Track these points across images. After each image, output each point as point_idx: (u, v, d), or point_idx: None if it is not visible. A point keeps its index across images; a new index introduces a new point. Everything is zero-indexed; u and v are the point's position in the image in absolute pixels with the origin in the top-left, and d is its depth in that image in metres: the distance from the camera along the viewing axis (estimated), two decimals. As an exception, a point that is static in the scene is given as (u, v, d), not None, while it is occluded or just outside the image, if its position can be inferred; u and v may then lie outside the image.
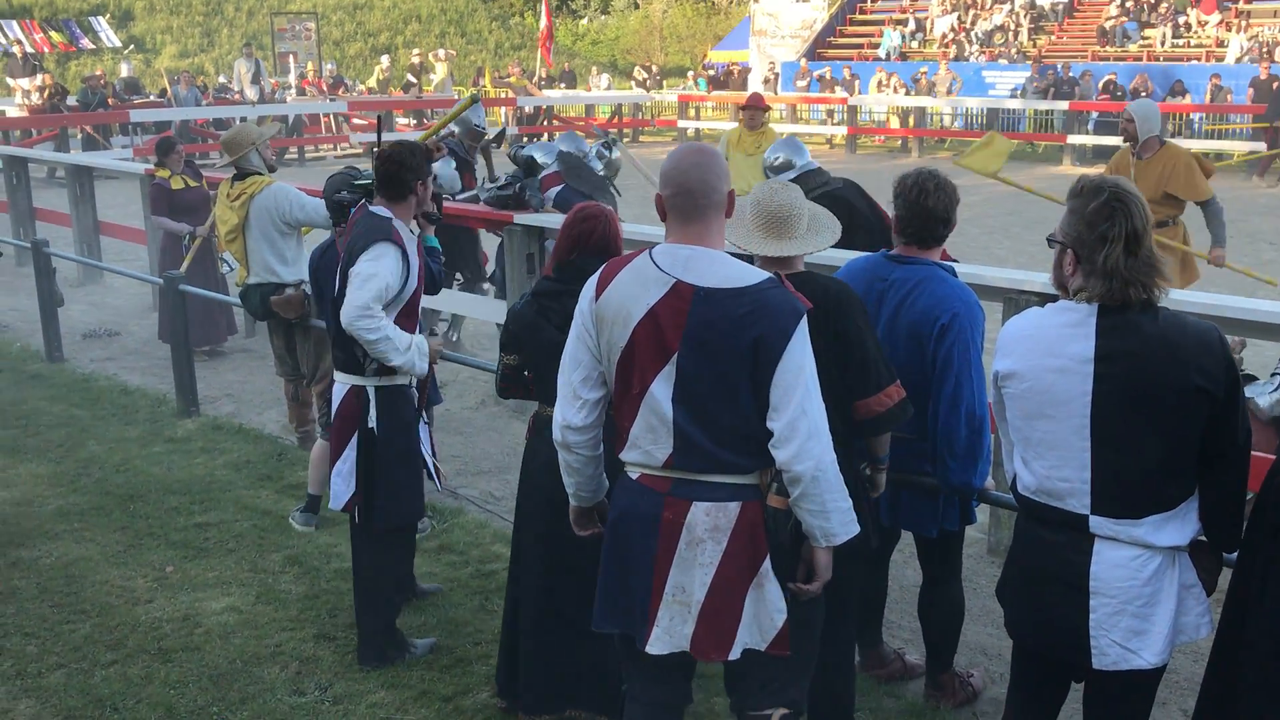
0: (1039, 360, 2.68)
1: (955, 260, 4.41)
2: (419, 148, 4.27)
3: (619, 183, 7.79)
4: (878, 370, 3.19)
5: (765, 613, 2.75)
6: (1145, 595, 2.65)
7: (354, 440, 4.16)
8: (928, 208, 3.53)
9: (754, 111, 9.16)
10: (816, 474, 2.64)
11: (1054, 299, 2.86)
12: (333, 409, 4.25)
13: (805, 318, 2.67)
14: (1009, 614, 2.91)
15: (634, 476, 2.81)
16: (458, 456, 6.55)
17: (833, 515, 2.71)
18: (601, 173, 7.47)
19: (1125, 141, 7.11)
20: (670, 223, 2.77)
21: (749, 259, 3.19)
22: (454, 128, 8.22)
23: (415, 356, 4.15)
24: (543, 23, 28.22)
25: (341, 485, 4.19)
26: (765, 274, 2.71)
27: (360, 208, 4.25)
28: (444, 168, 6.89)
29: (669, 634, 2.76)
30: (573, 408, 2.88)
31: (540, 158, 7.54)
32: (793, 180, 5.99)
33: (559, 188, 7.21)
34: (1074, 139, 21.90)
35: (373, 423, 4.13)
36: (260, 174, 6.10)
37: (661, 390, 2.69)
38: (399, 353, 4.08)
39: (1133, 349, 2.59)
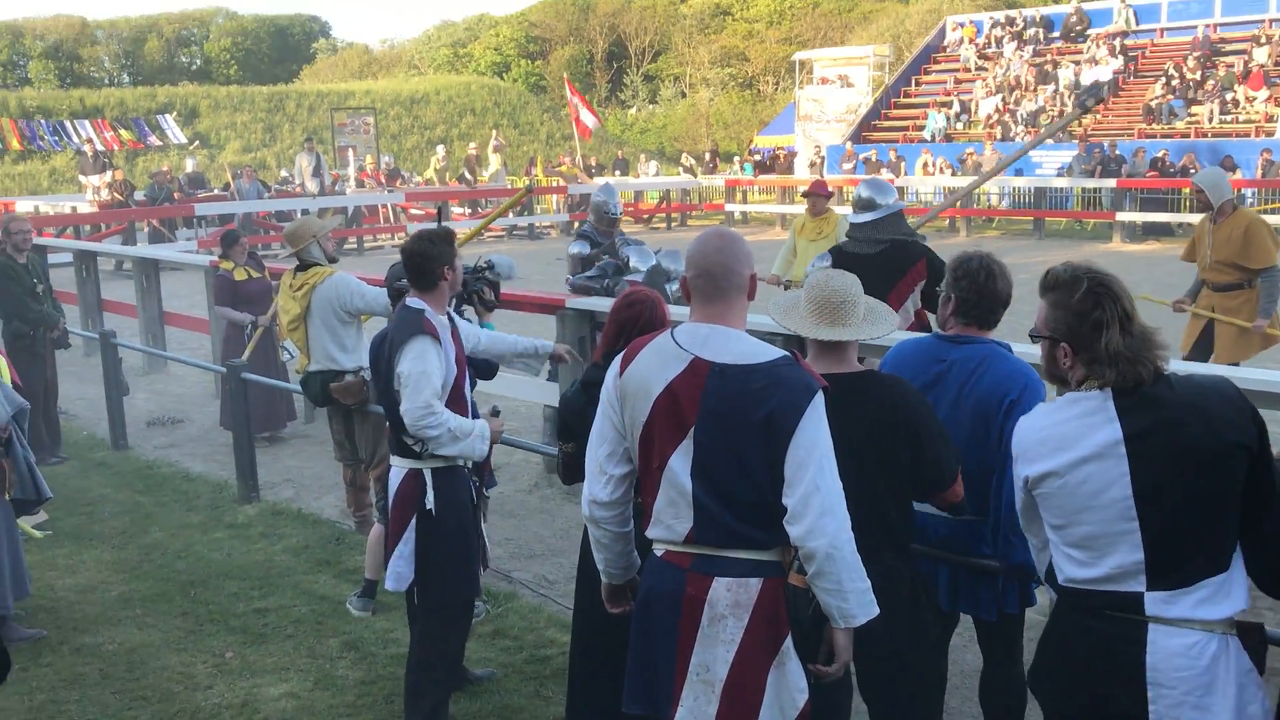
0: (1068, 455, 2.62)
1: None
2: (440, 234, 4.32)
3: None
4: (949, 463, 3.23)
5: (787, 692, 2.72)
6: (1204, 684, 2.56)
7: (413, 522, 4.19)
8: (994, 291, 3.56)
9: (816, 198, 9.27)
10: (831, 551, 2.62)
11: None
12: (390, 493, 4.29)
13: (820, 394, 2.68)
14: (1052, 705, 2.79)
15: (659, 553, 2.84)
16: (511, 540, 6.54)
17: (850, 595, 2.67)
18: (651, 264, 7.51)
19: (1203, 212, 7.36)
20: (693, 303, 2.84)
21: (801, 345, 3.21)
22: (590, 217, 8.30)
23: (476, 443, 4.21)
24: (571, 98, 28.78)
25: (403, 567, 4.21)
26: (781, 351, 2.74)
27: (404, 306, 4.31)
28: (501, 259, 6.98)
29: (693, 714, 2.74)
30: (599, 483, 2.91)
31: (634, 261, 7.57)
32: (878, 220, 6.09)
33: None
34: (1123, 216, 21.78)
35: (430, 504, 4.16)
36: (322, 265, 6.24)
37: (680, 464, 2.72)
38: (459, 442, 4.15)
39: (1161, 422, 2.55)
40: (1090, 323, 2.62)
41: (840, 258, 6.21)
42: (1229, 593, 2.59)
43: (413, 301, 4.23)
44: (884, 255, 6.08)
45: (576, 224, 8.65)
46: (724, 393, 2.68)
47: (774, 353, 2.74)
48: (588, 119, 29.00)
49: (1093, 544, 2.62)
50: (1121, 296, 2.64)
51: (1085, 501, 2.60)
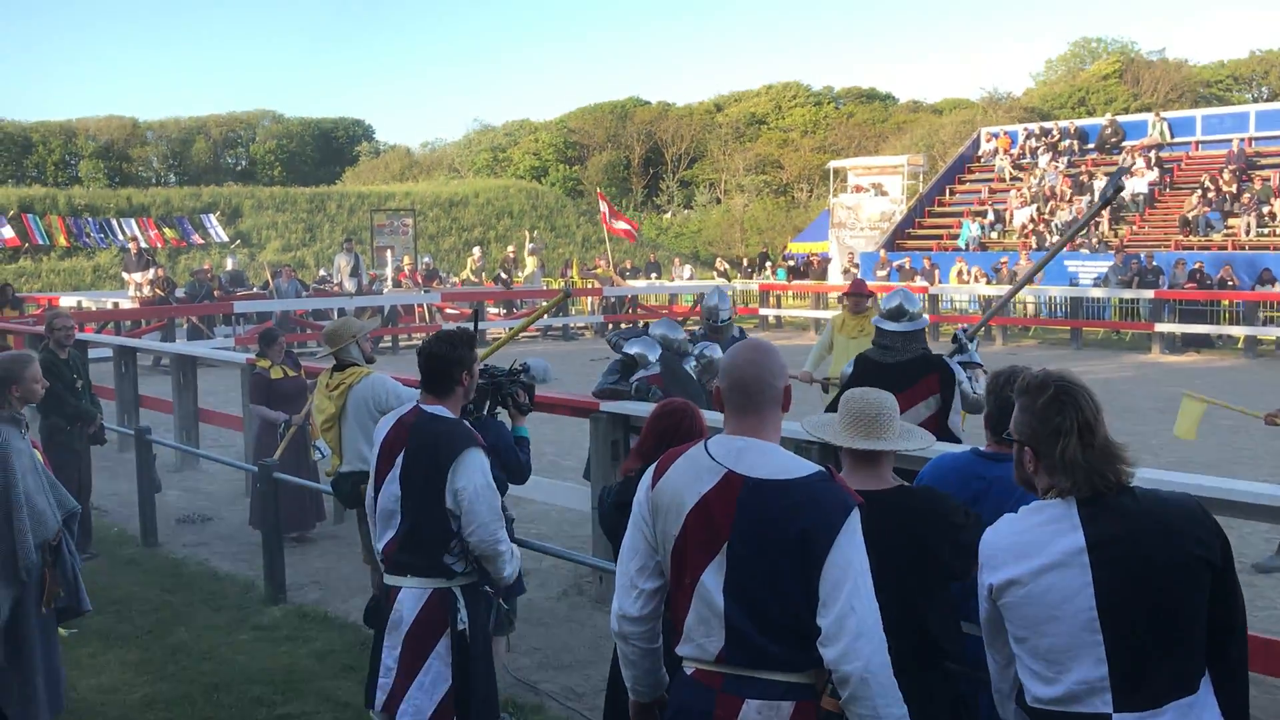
0: (1033, 563, 2.58)
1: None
2: (461, 337, 4.23)
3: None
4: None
5: None
6: None
7: (438, 648, 3.96)
8: None
9: (857, 298, 9.39)
10: (866, 675, 2.55)
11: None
12: (406, 619, 3.98)
13: (856, 512, 2.64)
14: None
15: (689, 672, 2.77)
16: (539, 649, 6.44)
17: None
18: (696, 372, 7.52)
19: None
20: (727, 415, 2.83)
21: (836, 461, 3.19)
22: (698, 322, 8.37)
23: (517, 563, 4.10)
24: (603, 208, 29.28)
25: (423, 700, 3.91)
26: (816, 467, 2.71)
27: (413, 409, 4.15)
28: (537, 361, 7.01)
29: None
30: (629, 598, 2.87)
31: (638, 351, 7.60)
32: (905, 332, 6.21)
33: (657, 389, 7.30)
34: (1162, 327, 21.68)
35: (464, 624, 3.98)
36: (359, 365, 6.30)
37: (713, 581, 2.68)
38: (515, 560, 4.05)
39: (1124, 532, 2.53)
40: (1051, 429, 2.63)
41: (862, 362, 6.40)
42: (1200, 715, 2.52)
43: (433, 409, 4.07)
44: (898, 366, 6.21)
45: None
46: (758, 509, 2.65)
47: (809, 468, 2.71)
48: (622, 224, 29.53)
49: (1056, 657, 2.56)
50: (1084, 406, 2.64)
51: (1048, 611, 2.55)
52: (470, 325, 5.26)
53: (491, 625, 4.26)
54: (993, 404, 3.59)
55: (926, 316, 6.56)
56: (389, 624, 4.02)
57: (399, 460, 4.06)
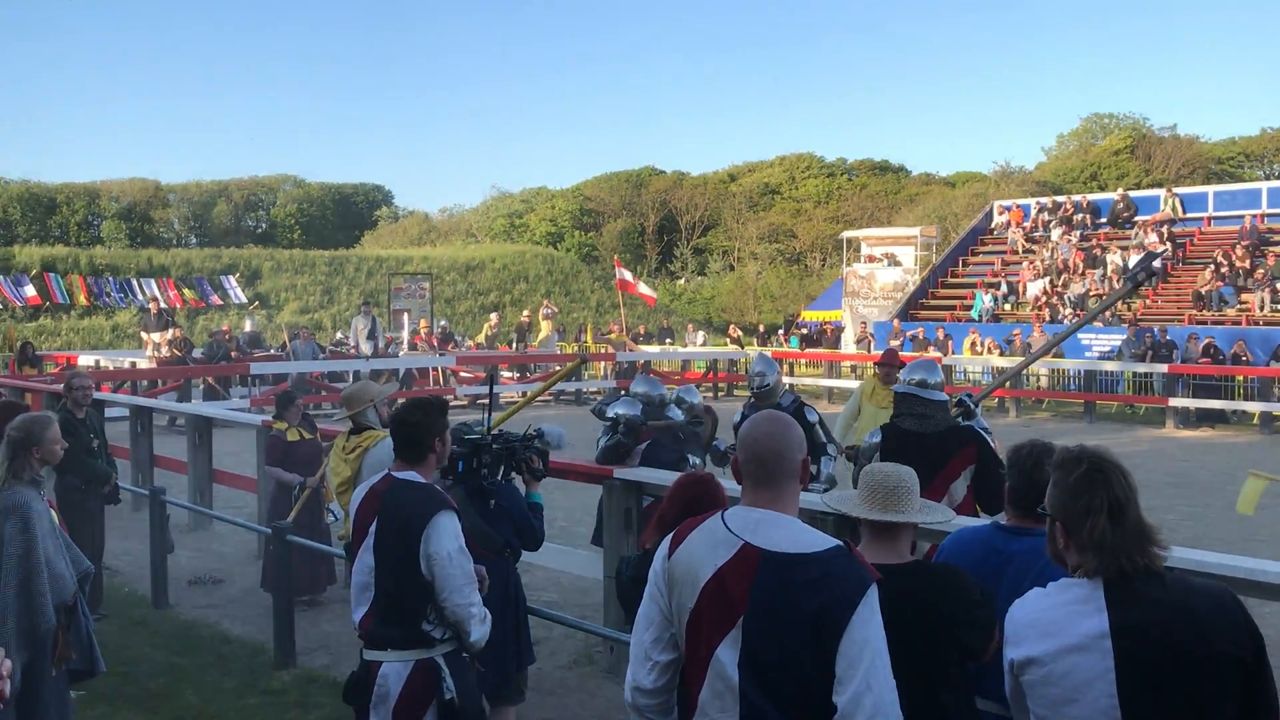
0: (1055, 643, 2.54)
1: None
2: (433, 404, 4.20)
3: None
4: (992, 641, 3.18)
5: None
6: None
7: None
8: (1045, 479, 3.50)
9: (889, 368, 9.39)
10: None
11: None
12: (392, 695, 3.89)
13: (874, 588, 2.61)
14: None
15: None
16: (549, 720, 6.36)
17: None
18: (681, 418, 7.55)
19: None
20: (745, 486, 2.82)
21: (854, 534, 3.17)
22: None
23: (487, 627, 4.01)
24: (625, 275, 29.45)
25: None
26: (834, 541, 2.69)
27: (385, 477, 4.14)
28: (550, 428, 7.02)
29: None
30: (643, 669, 2.83)
31: (624, 412, 7.61)
32: (927, 399, 6.09)
33: (645, 443, 7.31)
34: (1176, 402, 21.59)
35: (450, 692, 3.92)
36: (375, 429, 6.31)
37: (727, 655, 2.65)
38: (487, 622, 3.97)
39: (1149, 620, 2.45)
40: (1081, 505, 2.59)
41: (892, 433, 6.21)
42: None
43: (405, 475, 4.05)
44: (934, 436, 6.07)
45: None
46: (775, 583, 2.63)
47: (827, 542, 2.70)
48: (645, 288, 29.75)
49: None
50: (1116, 485, 2.59)
51: (1068, 694, 2.50)
52: (488, 391, 5.28)
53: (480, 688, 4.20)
54: (1014, 477, 3.57)
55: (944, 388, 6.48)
56: (374, 699, 3.91)
57: (371, 530, 4.04)
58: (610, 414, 7.35)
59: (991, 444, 6.29)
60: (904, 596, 3.07)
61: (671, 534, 2.90)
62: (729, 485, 4.24)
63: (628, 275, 29.44)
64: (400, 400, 4.39)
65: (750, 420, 2.90)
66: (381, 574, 4.00)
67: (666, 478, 6.48)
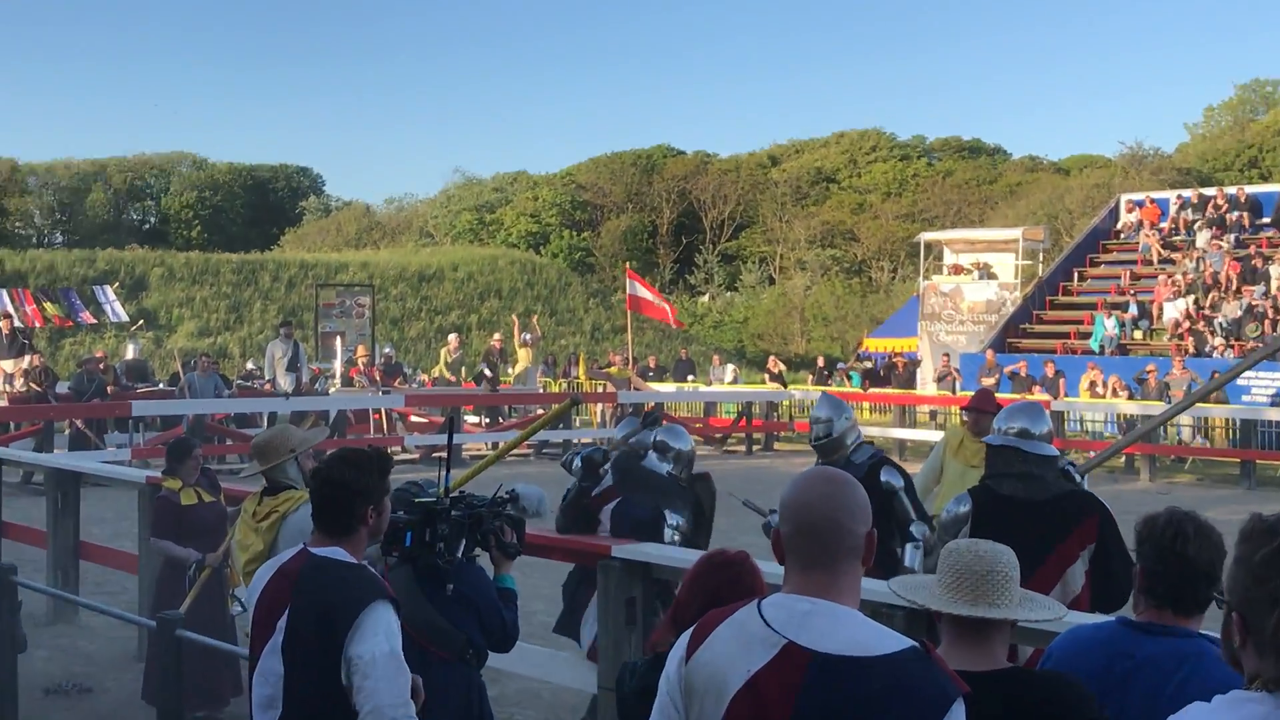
0: None
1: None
2: (369, 458, 4.21)
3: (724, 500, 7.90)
4: None
5: None
6: None
7: None
8: (1187, 558, 3.49)
9: (981, 415, 9.28)
10: None
11: None
12: None
13: (960, 705, 2.60)
14: None
15: None
16: None
17: None
18: (669, 470, 7.54)
19: None
20: (789, 568, 2.81)
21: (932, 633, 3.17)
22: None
23: None
24: (639, 291, 29.29)
25: None
26: (908, 641, 2.67)
27: (299, 554, 4.14)
28: (527, 489, 7.05)
29: None
30: None
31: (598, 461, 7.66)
32: (1028, 454, 6.07)
33: (614, 502, 7.36)
34: (1364, 461, 21.55)
35: None
36: (297, 489, 6.32)
37: None
38: None
39: None
40: (1266, 592, 2.54)
41: (985, 500, 6.15)
42: None
43: (326, 552, 4.05)
44: (1043, 505, 6.02)
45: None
46: (828, 696, 2.62)
47: (897, 642, 2.68)
48: (666, 309, 29.68)
49: None
50: None
51: None
52: (447, 440, 5.28)
53: None
54: (1148, 556, 3.56)
55: (1052, 441, 6.44)
56: None
57: (280, 624, 4.03)
58: (582, 460, 7.45)
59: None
60: (997, 714, 3.06)
61: (691, 629, 2.89)
62: (769, 569, 4.21)
63: (642, 289, 29.45)
64: (330, 453, 4.37)
65: (797, 480, 2.89)
66: (293, 683, 3.97)
67: (683, 557, 6.46)
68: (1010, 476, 6.14)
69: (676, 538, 7.36)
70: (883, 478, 7.52)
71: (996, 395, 23.00)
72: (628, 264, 34.01)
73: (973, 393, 10.22)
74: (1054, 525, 5.93)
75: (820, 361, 33.11)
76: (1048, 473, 6.13)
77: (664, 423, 8.41)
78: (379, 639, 3.90)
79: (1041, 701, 3.20)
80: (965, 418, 9.86)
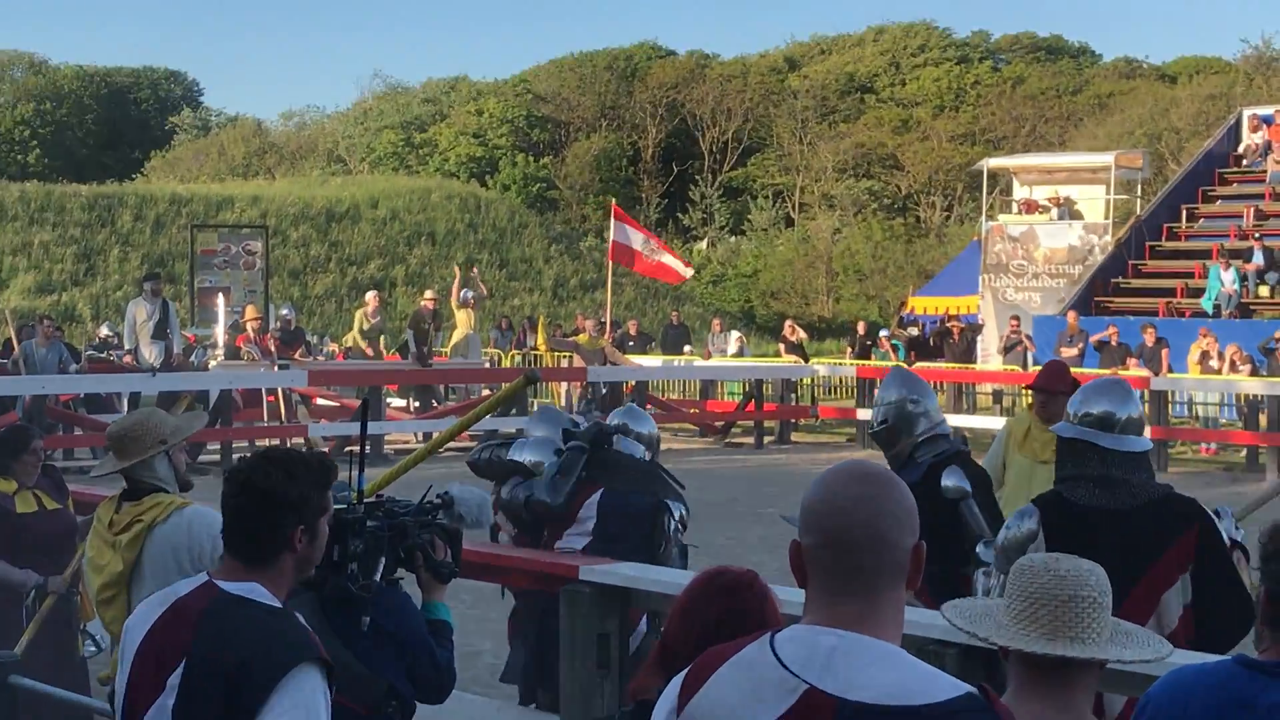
0: None
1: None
2: (308, 464, 4.17)
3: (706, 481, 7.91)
4: None
5: None
6: None
7: None
8: None
9: (1053, 396, 9.31)
10: None
11: None
12: None
13: None
14: None
15: None
16: None
17: None
18: (644, 455, 7.60)
19: None
20: (812, 592, 2.82)
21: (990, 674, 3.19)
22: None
23: None
24: (625, 237, 29.23)
25: None
26: (964, 687, 2.69)
27: (202, 588, 4.03)
28: (466, 491, 7.05)
29: None
30: None
31: (530, 459, 7.65)
32: (1113, 453, 5.99)
33: (598, 493, 7.40)
34: None
35: None
36: (166, 491, 6.31)
37: None
38: None
39: None
40: None
41: (1055, 510, 6.14)
42: None
43: (240, 587, 3.97)
44: (1129, 516, 6.02)
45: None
46: None
47: (951, 687, 2.70)
48: (670, 261, 29.57)
49: None
50: None
51: None
52: (361, 430, 5.26)
53: None
54: (1274, 577, 3.59)
55: (1148, 429, 6.47)
56: None
57: (173, 681, 3.99)
58: (518, 458, 7.47)
59: (1229, 538, 6.26)
60: None
61: (684, 673, 2.91)
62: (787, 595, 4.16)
63: (634, 235, 29.34)
64: (255, 452, 4.30)
65: (824, 478, 2.88)
66: None
67: (672, 580, 6.49)
68: (1085, 480, 6.09)
69: (682, 534, 7.51)
70: (944, 481, 7.36)
71: (1076, 371, 23.10)
72: (613, 200, 33.72)
73: (1042, 366, 10.24)
74: (1144, 541, 5.90)
75: (861, 329, 32.71)
76: (1135, 474, 6.05)
77: (649, 407, 8.48)
78: (298, 714, 3.84)
79: None
80: (1033, 400, 9.92)
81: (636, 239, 29.36)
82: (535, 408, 7.95)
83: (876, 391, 8.10)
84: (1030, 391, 10.06)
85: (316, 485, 4.07)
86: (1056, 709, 3.26)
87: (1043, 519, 6.09)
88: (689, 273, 31.53)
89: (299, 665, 3.80)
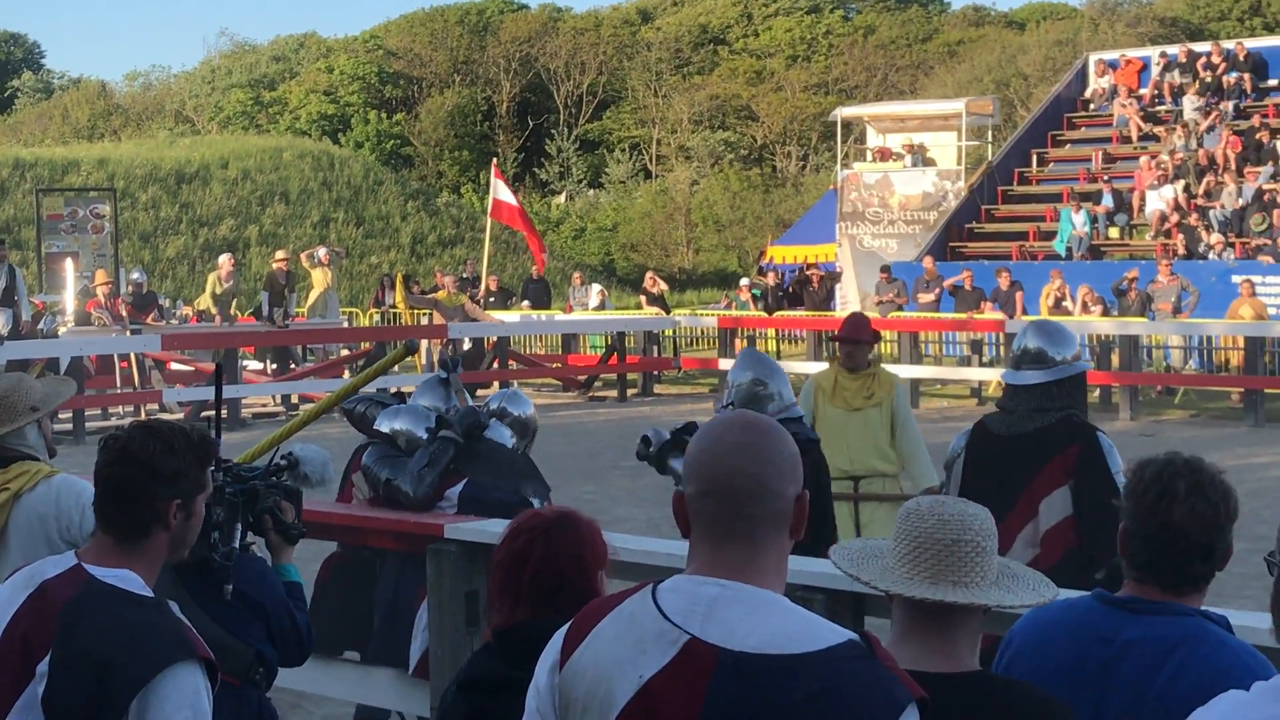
0: None
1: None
2: (186, 436, 4.01)
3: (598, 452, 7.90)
4: None
5: None
6: None
7: None
8: (1173, 525, 3.54)
9: (855, 346, 9.37)
10: None
11: None
12: None
13: (912, 712, 2.63)
14: None
15: None
16: None
17: None
18: (511, 441, 7.57)
19: None
20: (694, 542, 2.81)
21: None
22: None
23: None
24: (504, 195, 29.14)
25: None
26: (844, 634, 2.68)
27: (70, 572, 3.84)
28: (309, 450, 6.94)
29: None
30: None
31: (402, 427, 7.55)
32: (1048, 385, 6.69)
33: (461, 484, 7.34)
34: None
35: None
36: (36, 459, 6.18)
37: None
38: None
39: None
40: None
41: (977, 435, 6.93)
42: None
43: (112, 575, 3.81)
44: (1025, 439, 6.57)
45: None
46: (741, 704, 2.63)
47: (832, 635, 2.68)
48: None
49: None
50: None
51: None
52: (215, 392, 5.18)
53: None
54: (1134, 516, 3.61)
55: (1082, 360, 6.94)
56: None
57: (42, 669, 3.86)
58: (384, 428, 7.37)
59: (1111, 460, 6.57)
60: None
61: (566, 627, 2.88)
62: (651, 543, 4.16)
63: (507, 194, 29.21)
64: (130, 422, 4.18)
65: (707, 428, 2.86)
66: None
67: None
68: (1002, 409, 6.92)
69: None
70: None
71: (934, 314, 23.03)
72: (495, 163, 33.29)
73: (845, 318, 10.35)
74: (1033, 457, 6.51)
75: (751, 286, 32.80)
76: (1030, 402, 6.67)
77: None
78: (182, 716, 3.72)
79: (1009, 712, 3.23)
80: (836, 351, 9.94)
81: (508, 194, 29.44)
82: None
83: (740, 375, 8.10)
84: (837, 344, 10.09)
85: (196, 461, 3.92)
86: (939, 652, 3.24)
87: (968, 441, 6.95)
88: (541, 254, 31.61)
89: (173, 664, 3.64)
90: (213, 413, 5.14)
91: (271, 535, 5.25)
